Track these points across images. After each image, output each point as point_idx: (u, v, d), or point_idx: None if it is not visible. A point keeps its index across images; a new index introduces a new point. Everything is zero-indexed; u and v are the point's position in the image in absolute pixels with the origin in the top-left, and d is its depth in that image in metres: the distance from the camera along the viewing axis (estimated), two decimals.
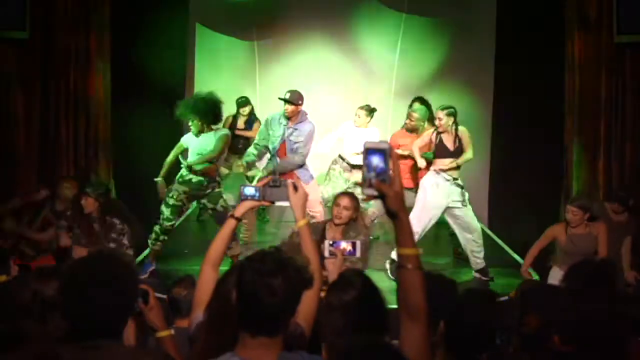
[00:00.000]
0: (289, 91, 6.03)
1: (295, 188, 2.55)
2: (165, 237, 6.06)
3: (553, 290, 3.07)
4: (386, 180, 1.75)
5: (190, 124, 5.91)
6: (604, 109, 6.20)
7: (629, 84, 6.17)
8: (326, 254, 2.56)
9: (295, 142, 6.01)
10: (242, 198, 2.57)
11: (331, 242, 2.67)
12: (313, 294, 2.20)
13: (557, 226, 5.33)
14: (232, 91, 8.38)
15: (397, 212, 1.79)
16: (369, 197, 1.78)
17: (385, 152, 1.75)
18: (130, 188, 6.74)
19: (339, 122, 7.40)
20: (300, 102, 6.02)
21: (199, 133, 5.91)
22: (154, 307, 2.52)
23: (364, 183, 1.77)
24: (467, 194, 6.08)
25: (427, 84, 8.69)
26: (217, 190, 6.06)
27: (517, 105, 7.62)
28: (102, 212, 5.20)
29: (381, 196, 1.77)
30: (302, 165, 6.10)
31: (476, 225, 6.13)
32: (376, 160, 1.75)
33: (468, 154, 5.99)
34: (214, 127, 6.02)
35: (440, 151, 6.02)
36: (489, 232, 7.78)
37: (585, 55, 6.17)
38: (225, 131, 6.12)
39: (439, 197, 5.98)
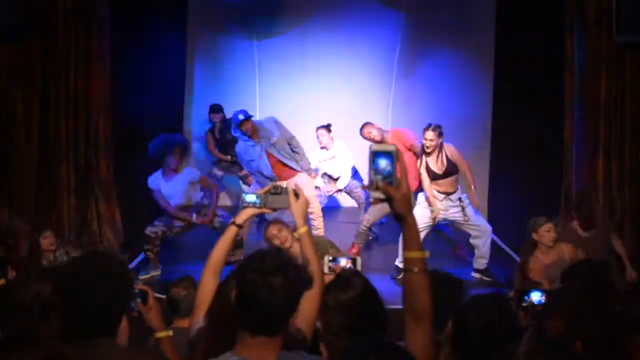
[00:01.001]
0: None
1: (297, 195, 2.56)
2: (148, 247, 6.17)
3: (576, 294, 3.02)
4: (393, 183, 1.73)
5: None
6: (604, 109, 6.19)
7: (629, 84, 6.16)
8: (325, 270, 2.57)
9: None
10: (244, 205, 2.57)
11: (331, 258, 2.68)
12: (314, 296, 2.20)
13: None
14: (232, 92, 8.39)
15: (404, 215, 1.78)
16: (376, 200, 1.76)
17: (392, 155, 1.73)
18: (131, 188, 6.74)
19: (338, 122, 7.39)
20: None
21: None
22: (152, 308, 2.53)
23: (371, 186, 1.74)
24: (466, 203, 6.07)
25: (427, 84, 8.69)
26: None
27: (517, 106, 7.62)
28: None
29: (388, 199, 1.75)
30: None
31: (486, 228, 6.15)
32: (383, 163, 1.73)
33: (468, 174, 6.07)
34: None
35: (428, 176, 6.01)
36: None
37: (585, 55, 6.16)
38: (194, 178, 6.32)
39: (429, 212, 6.03)
